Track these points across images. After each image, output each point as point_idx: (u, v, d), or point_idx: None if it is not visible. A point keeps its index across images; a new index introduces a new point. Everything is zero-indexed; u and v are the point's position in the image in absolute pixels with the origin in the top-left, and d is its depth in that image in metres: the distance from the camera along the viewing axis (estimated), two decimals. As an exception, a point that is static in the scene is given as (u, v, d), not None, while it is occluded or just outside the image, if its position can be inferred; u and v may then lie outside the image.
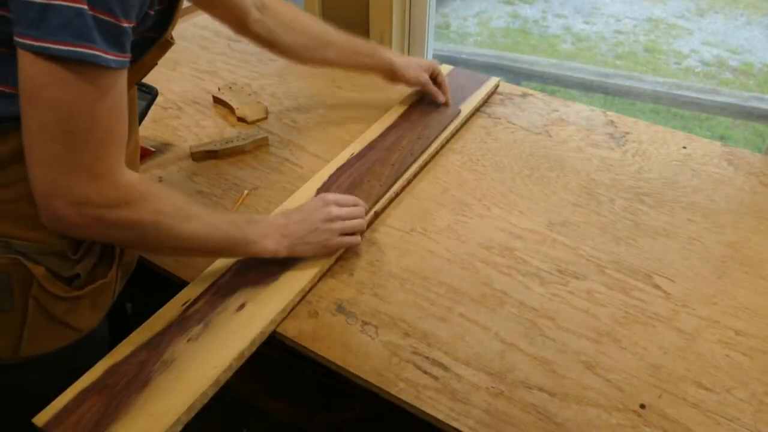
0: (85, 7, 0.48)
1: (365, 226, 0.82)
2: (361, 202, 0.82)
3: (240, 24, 0.90)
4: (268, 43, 0.93)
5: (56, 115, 0.51)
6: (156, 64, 0.69)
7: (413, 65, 1.04)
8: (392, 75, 1.03)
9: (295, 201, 0.87)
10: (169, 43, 0.67)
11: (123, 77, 0.55)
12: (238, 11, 0.87)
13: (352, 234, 0.78)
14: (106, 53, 0.51)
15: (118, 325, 0.87)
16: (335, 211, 0.76)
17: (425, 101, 1.10)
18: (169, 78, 1.23)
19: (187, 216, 0.64)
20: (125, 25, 0.52)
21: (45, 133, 0.51)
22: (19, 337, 0.62)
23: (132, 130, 0.71)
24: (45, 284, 0.61)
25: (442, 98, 1.07)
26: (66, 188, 0.54)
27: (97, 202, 0.56)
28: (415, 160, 0.95)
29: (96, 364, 0.64)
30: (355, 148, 0.98)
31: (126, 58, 0.54)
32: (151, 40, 0.64)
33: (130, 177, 0.59)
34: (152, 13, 0.58)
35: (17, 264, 0.59)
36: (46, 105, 0.51)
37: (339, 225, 0.76)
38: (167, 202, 0.63)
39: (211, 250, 0.71)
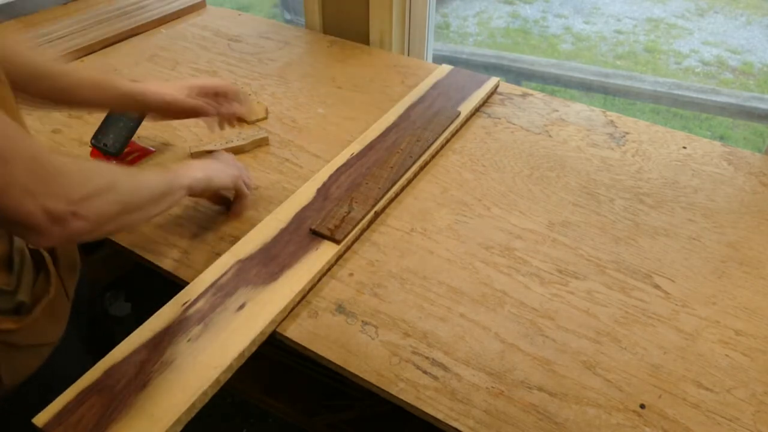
0: None
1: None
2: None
3: None
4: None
5: None
6: None
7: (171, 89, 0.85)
8: (140, 105, 0.82)
9: (296, 201, 0.87)
10: None
11: None
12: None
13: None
14: None
15: (98, 325, 0.87)
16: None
17: (426, 102, 1.10)
18: (168, 78, 1.23)
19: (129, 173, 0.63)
20: None
21: None
22: None
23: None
24: None
25: (239, 111, 0.92)
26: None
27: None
28: (413, 163, 0.95)
29: (96, 365, 0.64)
30: (355, 148, 0.98)
31: None
32: None
33: None
34: None
35: None
36: None
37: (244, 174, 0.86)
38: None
39: (157, 194, 0.67)
